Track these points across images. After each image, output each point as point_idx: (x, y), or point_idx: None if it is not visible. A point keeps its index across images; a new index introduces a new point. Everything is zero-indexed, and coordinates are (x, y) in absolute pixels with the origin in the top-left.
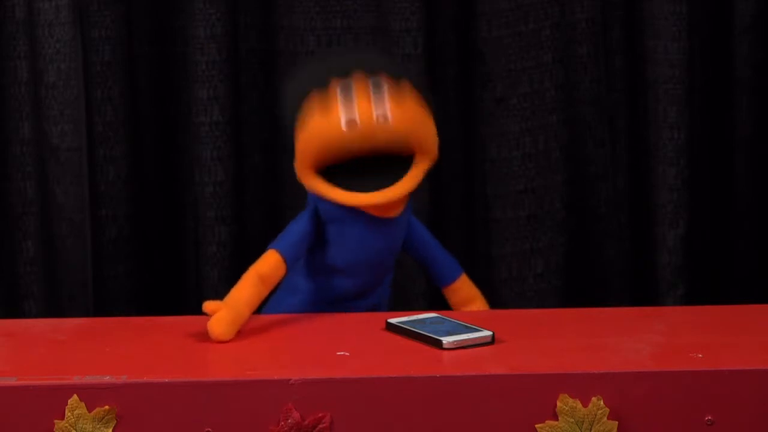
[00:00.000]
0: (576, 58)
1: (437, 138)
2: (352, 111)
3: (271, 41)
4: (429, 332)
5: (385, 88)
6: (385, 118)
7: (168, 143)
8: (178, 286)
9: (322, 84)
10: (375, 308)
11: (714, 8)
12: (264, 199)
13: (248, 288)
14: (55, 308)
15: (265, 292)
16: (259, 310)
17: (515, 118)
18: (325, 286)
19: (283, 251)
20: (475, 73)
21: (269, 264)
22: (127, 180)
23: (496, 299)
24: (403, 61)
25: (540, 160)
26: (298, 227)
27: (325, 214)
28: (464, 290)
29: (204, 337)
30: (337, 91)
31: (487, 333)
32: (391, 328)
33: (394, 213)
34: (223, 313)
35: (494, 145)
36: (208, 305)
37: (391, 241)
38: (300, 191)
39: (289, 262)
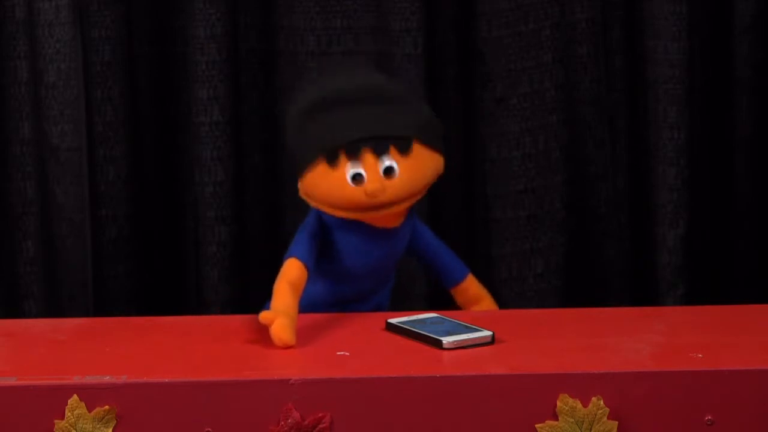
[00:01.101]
0: (576, 58)
1: (442, 163)
2: (358, 168)
3: (271, 41)
4: (429, 332)
5: (396, 169)
6: (391, 170)
7: (168, 143)
8: (178, 286)
9: (331, 157)
10: (376, 310)
11: (714, 8)
12: (264, 199)
13: (288, 296)
14: (55, 308)
15: (299, 298)
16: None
17: (515, 118)
18: (327, 289)
19: (303, 258)
20: (475, 73)
21: (295, 271)
22: (127, 180)
23: (496, 299)
24: (403, 61)
25: (540, 160)
26: (307, 234)
27: (328, 222)
28: (472, 290)
29: (203, 337)
30: (347, 173)
31: (487, 333)
32: (391, 328)
33: (393, 224)
34: (284, 320)
35: (494, 145)
36: (265, 316)
37: (391, 250)
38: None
39: (309, 267)
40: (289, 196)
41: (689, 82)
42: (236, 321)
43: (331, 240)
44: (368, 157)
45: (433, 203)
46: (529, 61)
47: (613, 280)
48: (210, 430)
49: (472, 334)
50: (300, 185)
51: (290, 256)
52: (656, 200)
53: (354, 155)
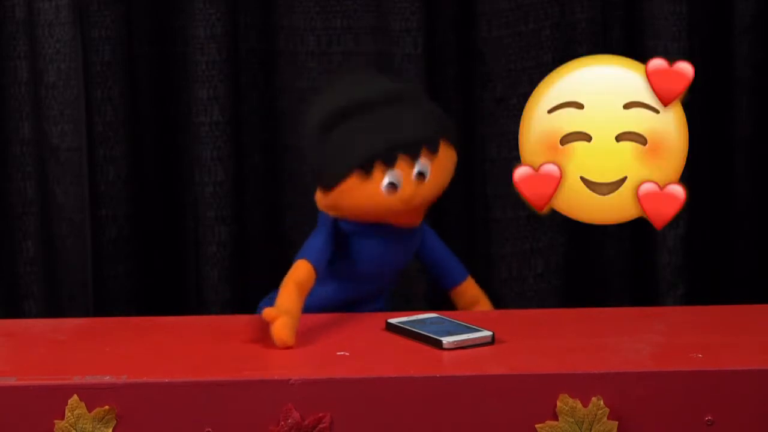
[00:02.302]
0: (576, 58)
1: (455, 159)
2: (393, 176)
3: (271, 41)
4: (429, 332)
5: (427, 172)
6: (423, 175)
7: (168, 143)
8: (178, 286)
9: (367, 168)
10: (379, 311)
11: (714, 8)
12: (264, 199)
13: (293, 296)
14: (55, 308)
15: (304, 299)
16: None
17: (515, 118)
18: (337, 290)
19: (313, 260)
20: (475, 73)
21: (303, 272)
22: (127, 180)
23: (496, 299)
24: (403, 61)
25: None
26: (320, 240)
27: (345, 230)
28: (470, 292)
29: (203, 337)
30: (382, 182)
31: (487, 333)
32: (391, 328)
33: (415, 222)
34: (286, 320)
35: (494, 145)
36: (268, 313)
37: (408, 251)
38: (300, 191)
39: (319, 271)
40: (289, 196)
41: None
42: (236, 321)
43: (346, 245)
44: (403, 164)
45: (434, 203)
46: (529, 61)
47: (613, 280)
48: (210, 430)
49: (472, 334)
50: (322, 198)
51: (301, 258)
52: None
53: (390, 164)
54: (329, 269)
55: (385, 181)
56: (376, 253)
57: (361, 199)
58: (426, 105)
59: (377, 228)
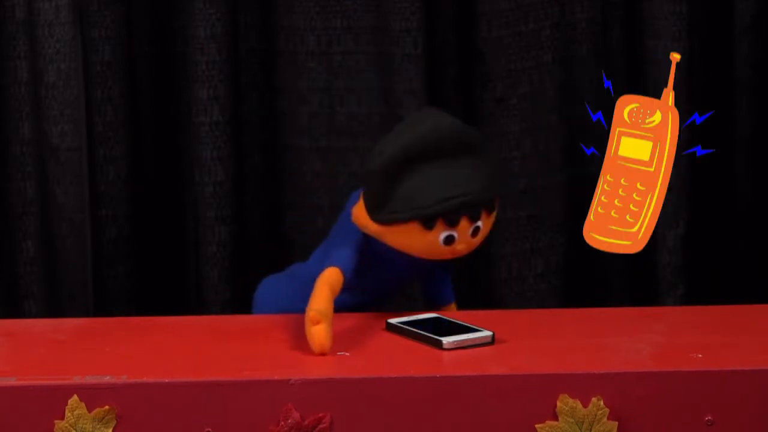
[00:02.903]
0: (576, 58)
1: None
2: (452, 232)
3: (271, 41)
4: (429, 332)
5: (481, 228)
6: (478, 230)
7: (168, 143)
8: (178, 286)
9: (429, 223)
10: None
11: (714, 8)
12: (264, 199)
13: (330, 301)
14: (55, 308)
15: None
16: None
17: (515, 118)
18: (347, 298)
19: (345, 270)
20: (475, 73)
21: (335, 279)
22: (127, 180)
23: (496, 299)
24: (403, 61)
25: (540, 160)
26: (351, 251)
27: (374, 246)
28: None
29: (203, 337)
30: (440, 235)
31: (487, 333)
32: (391, 328)
33: None
34: (327, 326)
35: (494, 145)
36: (314, 316)
37: (419, 267)
38: (300, 191)
39: (347, 281)
40: (289, 196)
41: (689, 82)
42: (236, 321)
43: (370, 258)
44: (464, 223)
45: None
46: (529, 61)
47: (613, 280)
48: (210, 430)
49: (472, 334)
50: (369, 223)
51: (334, 265)
52: None
53: (452, 224)
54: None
55: (444, 235)
56: (397, 271)
57: (414, 243)
58: (490, 160)
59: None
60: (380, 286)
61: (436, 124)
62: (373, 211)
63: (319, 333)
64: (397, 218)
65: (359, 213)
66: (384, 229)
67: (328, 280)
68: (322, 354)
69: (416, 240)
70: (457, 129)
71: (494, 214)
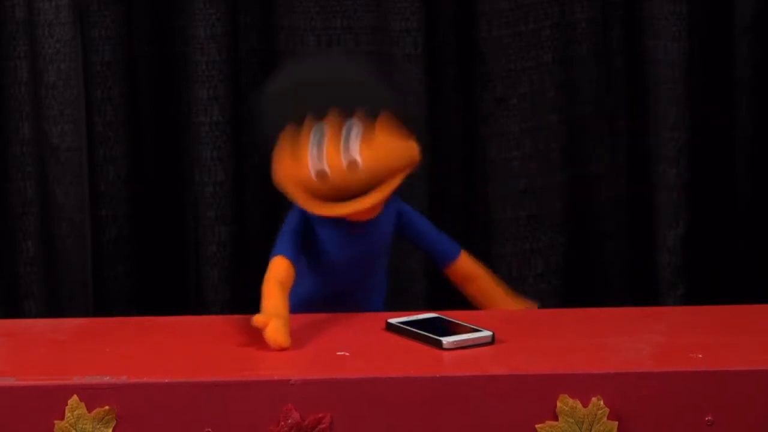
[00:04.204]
0: (576, 58)
1: (416, 150)
2: (322, 162)
3: (271, 41)
4: (429, 332)
5: (358, 132)
6: (355, 164)
7: (168, 143)
8: (178, 286)
9: (298, 118)
10: (366, 303)
11: (714, 8)
12: (264, 199)
13: (278, 296)
14: (55, 308)
15: (288, 297)
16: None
17: (515, 118)
18: (314, 286)
19: (288, 255)
20: (475, 73)
21: (282, 270)
22: (127, 180)
23: None
24: (403, 61)
25: (540, 160)
26: (290, 231)
27: (309, 218)
28: (465, 268)
29: (203, 337)
30: (309, 136)
31: (487, 333)
32: (391, 328)
33: (369, 216)
34: (277, 322)
35: (494, 145)
36: (258, 320)
37: (372, 242)
38: None
39: (296, 264)
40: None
41: (689, 82)
42: (236, 321)
43: (314, 234)
44: (332, 133)
45: (434, 203)
46: (529, 61)
47: (613, 280)
48: (210, 430)
49: (472, 334)
50: (277, 169)
51: (276, 255)
52: (656, 200)
53: (319, 114)
54: (303, 263)
55: (314, 168)
56: (339, 241)
57: (296, 179)
58: (383, 88)
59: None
60: (337, 263)
61: (312, 62)
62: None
63: (270, 333)
64: (276, 125)
65: (276, 172)
66: (276, 179)
67: (273, 275)
68: (281, 349)
69: (292, 179)
70: (333, 64)
71: (378, 139)
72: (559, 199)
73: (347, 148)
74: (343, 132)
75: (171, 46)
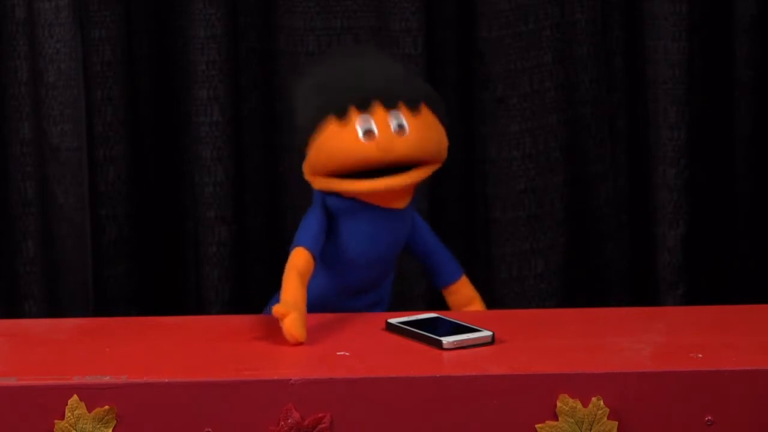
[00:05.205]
0: (576, 58)
1: (447, 145)
2: (370, 123)
3: (271, 41)
4: (429, 332)
5: (406, 127)
6: (403, 127)
7: (168, 143)
8: (178, 286)
9: (341, 112)
10: (376, 305)
11: (714, 8)
12: (264, 199)
13: (298, 289)
14: (55, 308)
15: (306, 290)
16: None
17: (515, 118)
18: (330, 281)
19: (310, 247)
20: (475, 73)
21: (303, 262)
22: (127, 180)
23: (496, 299)
24: (403, 61)
25: (540, 160)
26: (313, 222)
27: (333, 209)
28: (463, 292)
29: (203, 337)
30: (356, 120)
31: (487, 333)
32: (391, 328)
33: (400, 204)
34: (296, 316)
35: (494, 145)
36: (278, 310)
37: (397, 235)
38: (301, 191)
39: (316, 256)
40: (289, 196)
41: (689, 82)
42: (236, 321)
43: (336, 228)
44: (379, 111)
45: (434, 203)
46: (529, 61)
47: (613, 280)
48: (210, 430)
49: (472, 334)
50: (305, 164)
51: (297, 245)
52: (656, 200)
53: (363, 107)
54: (321, 258)
55: (361, 128)
56: (364, 235)
57: (339, 145)
58: (419, 80)
59: (364, 206)
60: (356, 257)
61: (349, 54)
62: (300, 143)
63: (288, 325)
64: (313, 125)
65: (304, 168)
66: (312, 157)
67: (295, 266)
68: (298, 344)
69: (337, 141)
70: (372, 55)
71: (429, 122)
72: (559, 199)
73: (396, 115)
74: (390, 118)
75: (171, 46)
